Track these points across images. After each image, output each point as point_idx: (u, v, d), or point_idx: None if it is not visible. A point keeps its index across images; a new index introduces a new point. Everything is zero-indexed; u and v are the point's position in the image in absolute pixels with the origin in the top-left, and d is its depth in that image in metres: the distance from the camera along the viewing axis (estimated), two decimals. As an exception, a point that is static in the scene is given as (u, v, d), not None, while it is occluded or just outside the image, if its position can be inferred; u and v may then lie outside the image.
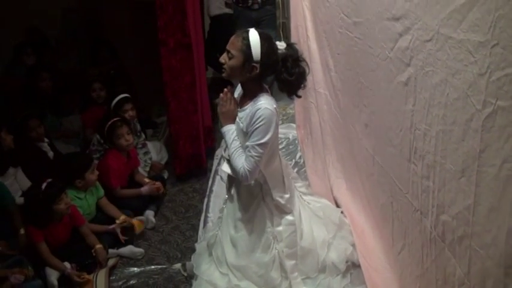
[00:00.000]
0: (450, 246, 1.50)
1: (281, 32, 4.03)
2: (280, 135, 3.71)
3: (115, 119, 3.02)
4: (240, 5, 4.02)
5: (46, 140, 3.18)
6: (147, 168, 3.38)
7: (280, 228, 2.12)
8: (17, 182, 2.84)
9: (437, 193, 1.54)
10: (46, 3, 4.30)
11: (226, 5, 4.33)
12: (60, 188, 2.47)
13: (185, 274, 2.52)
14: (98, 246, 2.57)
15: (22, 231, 2.48)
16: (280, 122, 4.08)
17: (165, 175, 3.47)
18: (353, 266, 2.33)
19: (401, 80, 1.71)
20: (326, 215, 2.41)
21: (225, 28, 3.96)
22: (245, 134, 1.94)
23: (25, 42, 4.22)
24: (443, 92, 1.43)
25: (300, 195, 2.35)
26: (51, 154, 3.17)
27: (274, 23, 4.13)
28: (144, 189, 3.05)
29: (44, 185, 2.43)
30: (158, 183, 3.10)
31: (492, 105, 1.21)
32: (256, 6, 3.99)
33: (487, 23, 1.18)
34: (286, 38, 3.57)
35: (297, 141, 3.64)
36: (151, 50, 3.25)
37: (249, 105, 1.95)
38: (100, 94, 3.64)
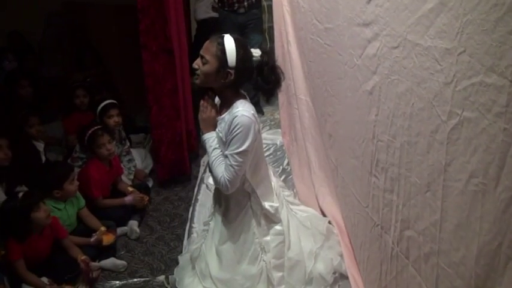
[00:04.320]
0: (415, 263, 1.41)
1: (267, 36, 3.92)
2: (267, 141, 3.64)
3: (95, 128, 2.92)
4: (226, 8, 3.91)
5: (43, 142, 3.15)
6: (131, 176, 3.28)
7: (267, 238, 2.03)
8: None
9: (401, 207, 1.46)
10: (29, 7, 4.19)
11: (213, 8, 4.22)
12: (37, 196, 2.37)
13: (169, 287, 2.42)
14: (84, 257, 2.45)
15: (3, 251, 2.37)
16: (268, 127, 3.99)
17: (150, 183, 3.38)
18: (341, 278, 2.23)
19: (367, 88, 1.63)
20: (313, 225, 2.32)
21: (212, 32, 3.83)
22: (224, 143, 1.86)
23: (6, 48, 4.12)
24: (408, 101, 1.34)
25: (288, 205, 2.26)
26: (43, 158, 3.11)
27: (260, 27, 4.04)
28: (128, 199, 2.95)
29: (20, 195, 2.34)
30: (143, 195, 2.99)
31: (458, 116, 1.14)
32: (242, 10, 3.89)
33: (455, 29, 1.11)
34: (272, 43, 3.47)
35: (284, 147, 3.54)
36: (137, 55, 3.15)
37: (226, 113, 1.87)
38: (83, 101, 3.54)
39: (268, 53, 1.90)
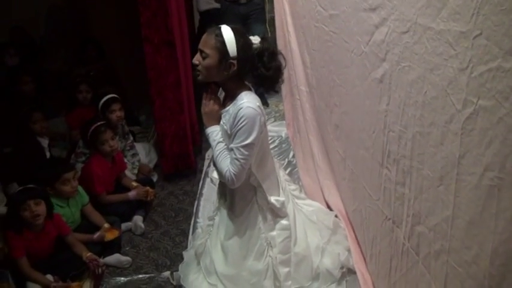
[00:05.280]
0: (425, 260, 1.34)
1: (267, 27, 3.83)
2: (272, 134, 3.57)
3: (98, 124, 2.87)
4: (228, -1, 3.83)
5: (47, 138, 3.13)
6: (135, 171, 3.22)
7: (273, 233, 1.97)
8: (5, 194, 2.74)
9: (413, 201, 1.38)
10: (30, 1, 4.12)
11: (215, -1, 4.13)
12: (25, 195, 2.30)
13: (174, 283, 2.37)
14: (89, 254, 2.41)
15: (0, 245, 2.33)
16: (273, 119, 3.92)
17: (154, 178, 3.32)
18: (348, 273, 2.17)
19: (376, 76, 1.54)
20: (319, 219, 2.26)
21: (215, 23, 3.76)
22: (229, 136, 1.80)
23: (8, 43, 4.05)
24: (421, 89, 1.26)
25: (294, 199, 2.20)
26: (48, 154, 3.08)
27: (262, 17, 3.95)
28: (132, 194, 2.89)
29: (16, 191, 2.31)
30: (147, 188, 2.94)
31: (473, 104, 1.06)
32: (244, 1, 3.80)
33: (470, 10, 1.02)
34: (275, 33, 3.38)
35: (289, 140, 3.47)
36: (139, 48, 3.09)
37: (230, 105, 1.81)
38: (86, 96, 3.48)
39: (268, 39, 1.83)
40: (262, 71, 1.75)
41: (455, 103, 1.11)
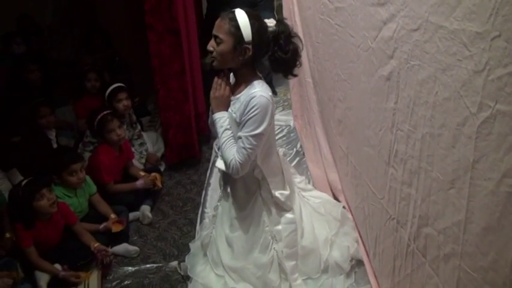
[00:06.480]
0: (433, 262, 1.28)
1: (275, 14, 3.71)
2: (280, 123, 3.49)
3: (105, 113, 2.79)
4: (236, -14, 3.68)
5: (54, 130, 3.08)
6: (143, 160, 3.16)
7: (279, 227, 1.92)
8: (10, 181, 2.69)
9: (420, 203, 1.31)
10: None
11: (222, -14, 3.97)
12: (40, 184, 2.25)
13: (182, 273, 2.34)
14: (97, 244, 2.37)
15: (8, 234, 2.29)
16: (281, 108, 3.84)
17: (162, 167, 3.25)
18: (357, 265, 2.11)
19: (383, 73, 1.46)
20: (327, 211, 2.19)
21: (223, 10, 3.63)
22: (238, 125, 1.72)
23: (15, 31, 3.94)
24: (431, 90, 1.18)
25: (300, 192, 2.13)
26: (55, 146, 3.04)
27: (271, 4, 3.81)
28: (139, 183, 2.83)
29: (24, 182, 2.24)
30: (154, 174, 2.87)
31: (490, 108, 0.98)
32: (251, -13, 3.65)
33: (487, 10, 0.95)
34: (284, 21, 3.27)
35: (297, 131, 3.37)
36: (145, 36, 2.99)
37: (242, 93, 1.72)
38: (95, 85, 3.38)
39: (284, 22, 1.73)
40: (280, 55, 1.66)
41: (469, 106, 1.04)
